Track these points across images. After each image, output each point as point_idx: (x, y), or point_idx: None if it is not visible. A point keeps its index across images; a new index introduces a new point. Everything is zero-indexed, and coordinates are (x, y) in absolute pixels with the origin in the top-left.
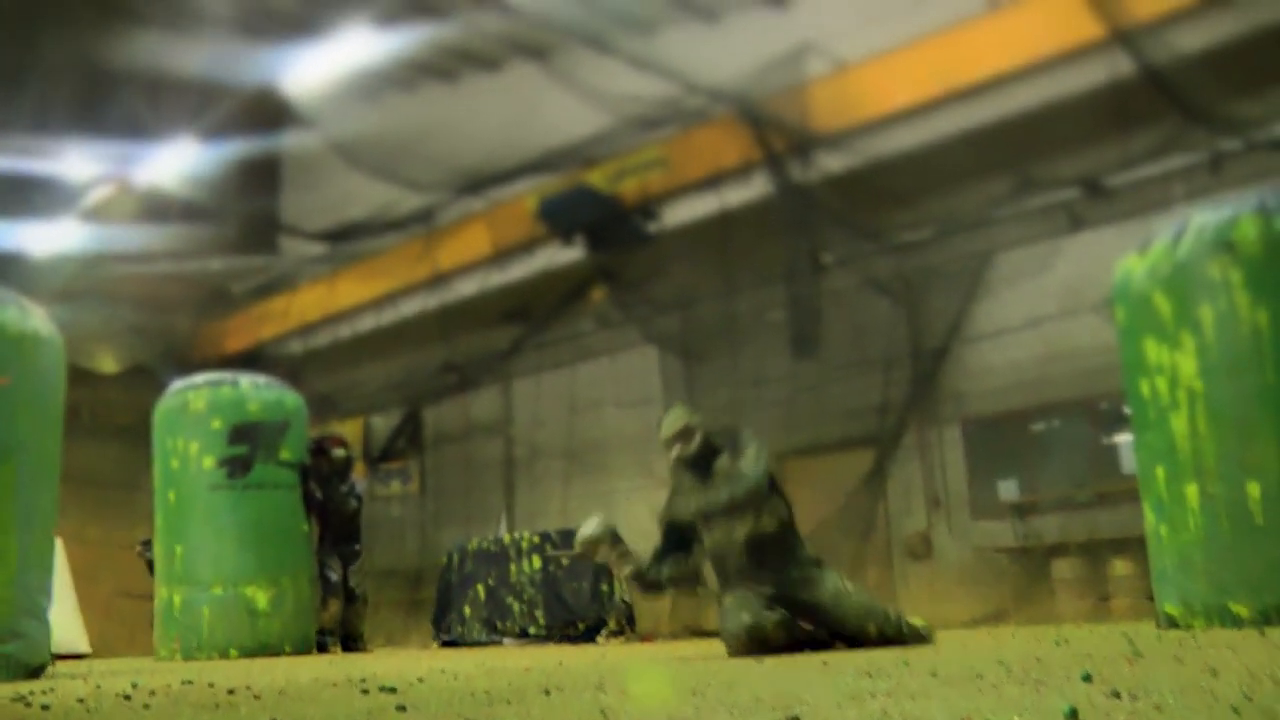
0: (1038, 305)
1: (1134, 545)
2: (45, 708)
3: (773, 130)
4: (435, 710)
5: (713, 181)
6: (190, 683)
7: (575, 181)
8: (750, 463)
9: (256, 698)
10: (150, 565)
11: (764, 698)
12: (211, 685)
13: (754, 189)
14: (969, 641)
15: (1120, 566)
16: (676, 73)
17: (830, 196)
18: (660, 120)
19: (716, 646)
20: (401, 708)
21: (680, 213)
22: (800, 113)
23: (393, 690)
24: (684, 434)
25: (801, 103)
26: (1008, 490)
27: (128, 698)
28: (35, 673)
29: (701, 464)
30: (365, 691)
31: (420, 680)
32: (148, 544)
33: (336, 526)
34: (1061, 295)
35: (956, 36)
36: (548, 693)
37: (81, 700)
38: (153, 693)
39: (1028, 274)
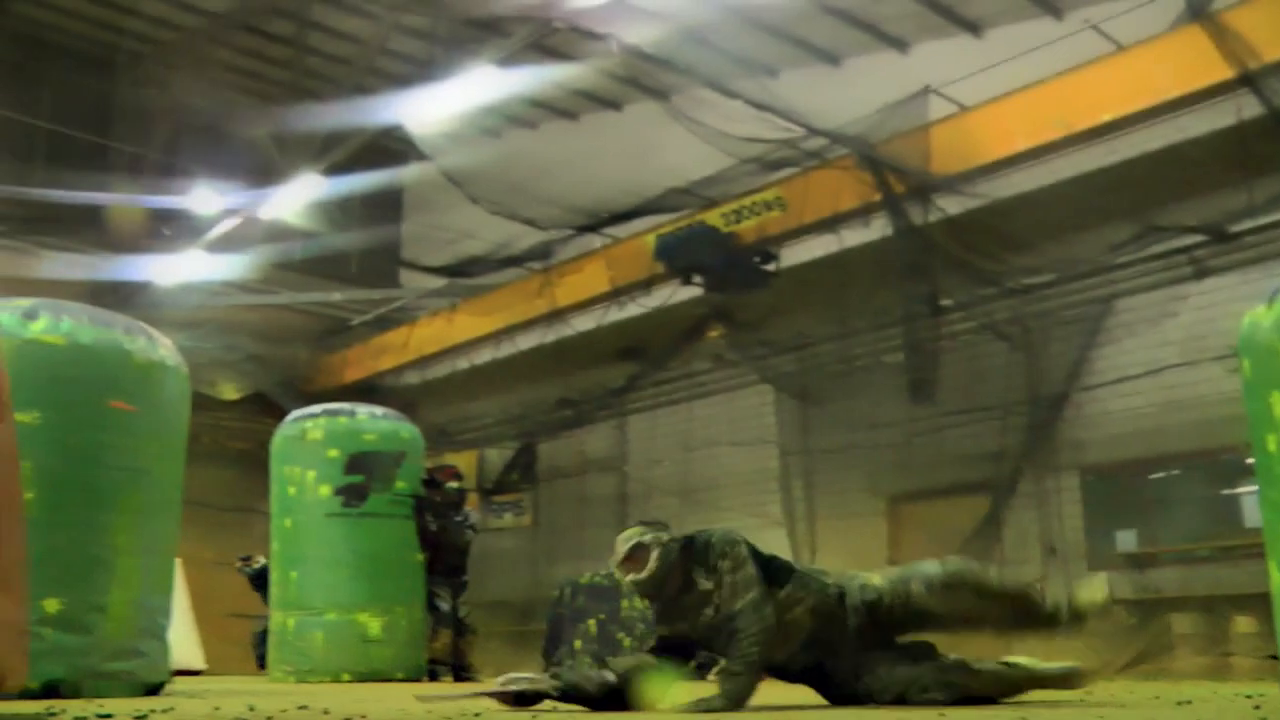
0: (1159, 353)
1: (1257, 602)
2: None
3: (892, 173)
4: None
5: (831, 223)
6: (305, 707)
7: (694, 221)
8: (740, 602)
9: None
10: (250, 580)
11: None
12: (327, 712)
13: (872, 231)
14: (1087, 696)
15: (1242, 624)
16: (797, 115)
17: (949, 240)
18: (780, 162)
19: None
20: None
21: (798, 254)
22: (919, 155)
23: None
24: (634, 558)
25: (921, 146)
26: (1126, 541)
27: None
28: (154, 690)
29: (668, 587)
30: (478, 715)
31: (534, 716)
32: (247, 560)
33: (448, 558)
34: (1184, 343)
35: (1077, 79)
36: None
37: None
38: (270, 718)
39: (1149, 321)
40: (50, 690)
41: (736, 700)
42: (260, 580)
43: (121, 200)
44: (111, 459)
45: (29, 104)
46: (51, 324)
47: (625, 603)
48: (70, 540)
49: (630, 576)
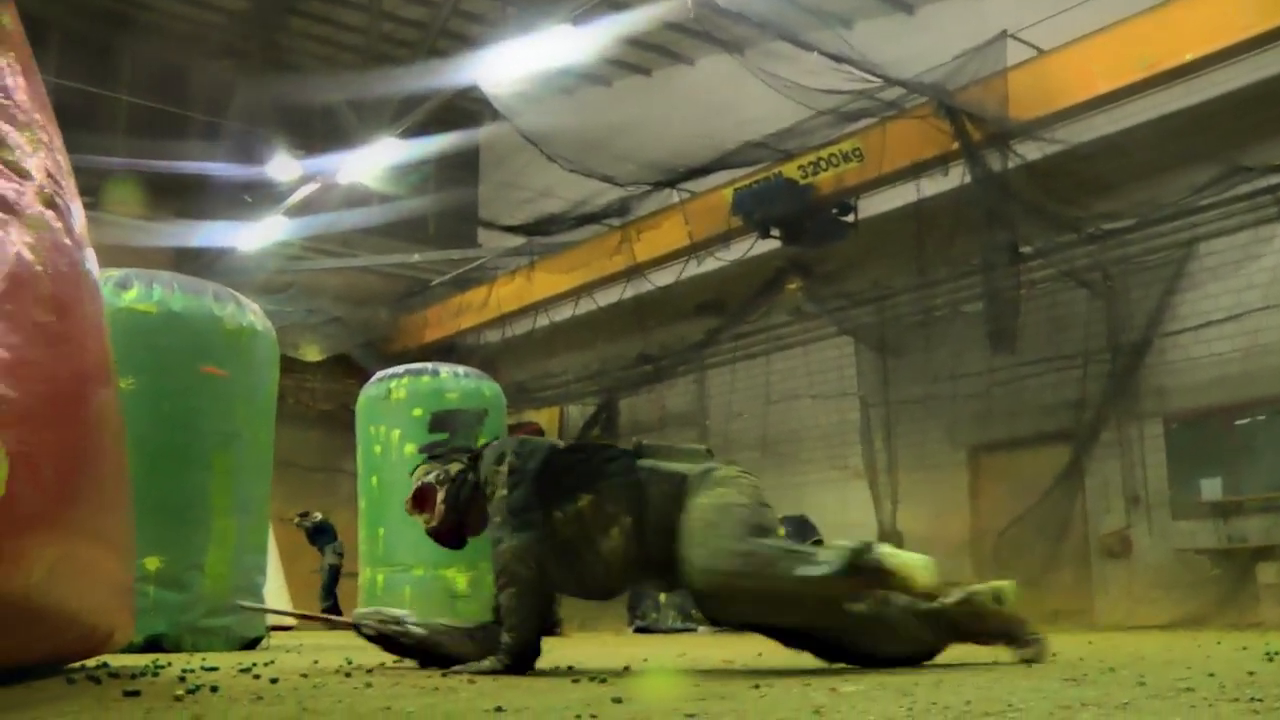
0: (1243, 297)
1: None
2: (273, 681)
3: (970, 120)
4: (649, 703)
5: (909, 173)
6: (401, 662)
7: (771, 174)
8: (494, 549)
9: (471, 683)
10: (308, 534)
11: (975, 701)
12: (419, 667)
13: (951, 180)
14: (1173, 647)
15: None
16: (873, 65)
17: (1028, 186)
18: (857, 113)
19: None
20: (618, 700)
21: (876, 205)
22: (997, 102)
23: (604, 680)
24: (420, 499)
25: (999, 92)
26: (1210, 490)
27: (348, 675)
28: (251, 645)
29: (472, 526)
30: (576, 681)
31: (625, 669)
32: (304, 515)
33: None
34: (1268, 287)
35: (1158, 18)
36: (757, 687)
37: (305, 675)
38: (369, 671)
39: (1233, 264)
40: (153, 645)
41: (513, 663)
42: (316, 535)
43: (203, 169)
44: (205, 423)
45: (109, 78)
46: (144, 292)
47: None
48: (168, 501)
49: (423, 523)
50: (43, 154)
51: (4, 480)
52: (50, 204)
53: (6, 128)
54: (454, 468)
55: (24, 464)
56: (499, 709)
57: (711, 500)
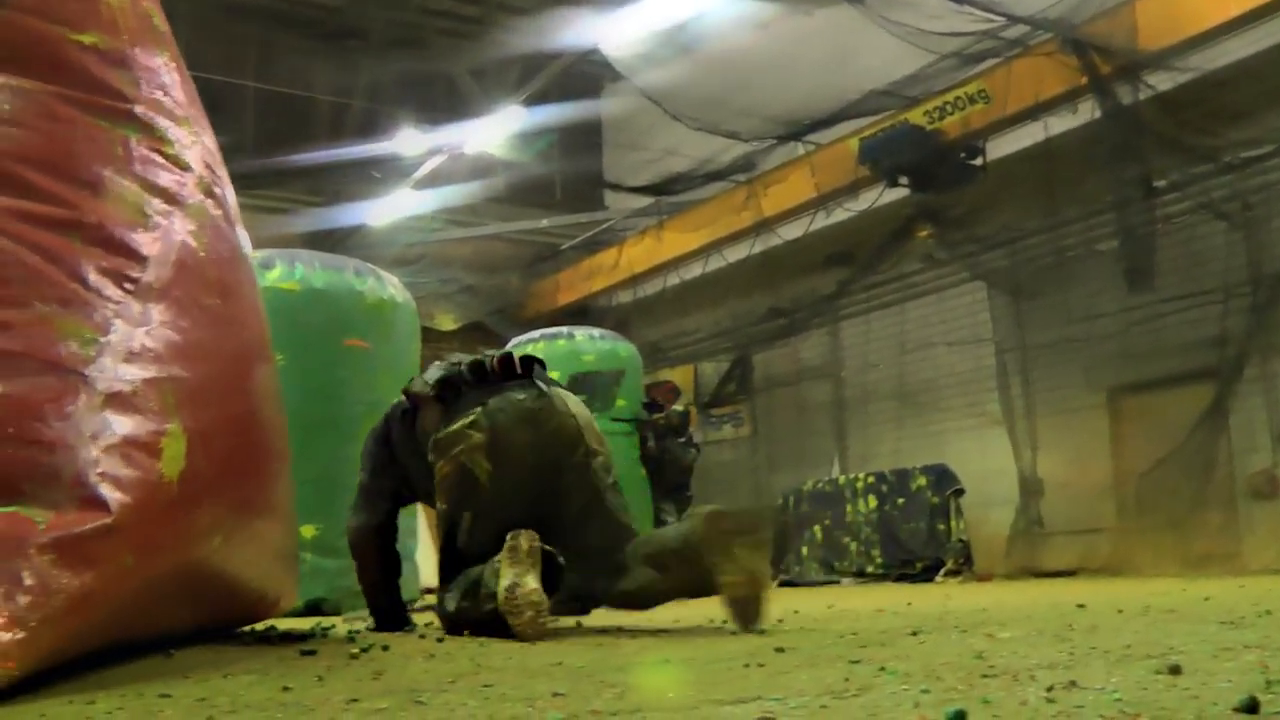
0: None
1: None
2: (440, 639)
3: (1097, 53)
4: (811, 651)
5: (1036, 111)
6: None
7: (896, 122)
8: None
9: (633, 636)
10: None
11: (1135, 645)
12: (579, 624)
13: (1080, 116)
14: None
15: None
16: (995, 4)
17: (1160, 118)
18: (981, 54)
19: (1058, 587)
20: (780, 650)
21: (1004, 146)
22: (1125, 33)
23: (761, 632)
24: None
25: (1126, 22)
26: None
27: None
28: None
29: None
30: (734, 633)
31: (779, 622)
32: None
33: (670, 476)
34: None
35: None
36: (914, 634)
37: (466, 634)
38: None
39: None
40: (313, 609)
41: (377, 622)
42: None
43: (331, 155)
44: (351, 394)
45: (236, 66)
46: (286, 271)
47: (849, 507)
48: (320, 471)
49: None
50: (199, 146)
51: (183, 455)
52: (209, 193)
53: (167, 123)
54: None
55: (199, 440)
56: (666, 660)
57: None
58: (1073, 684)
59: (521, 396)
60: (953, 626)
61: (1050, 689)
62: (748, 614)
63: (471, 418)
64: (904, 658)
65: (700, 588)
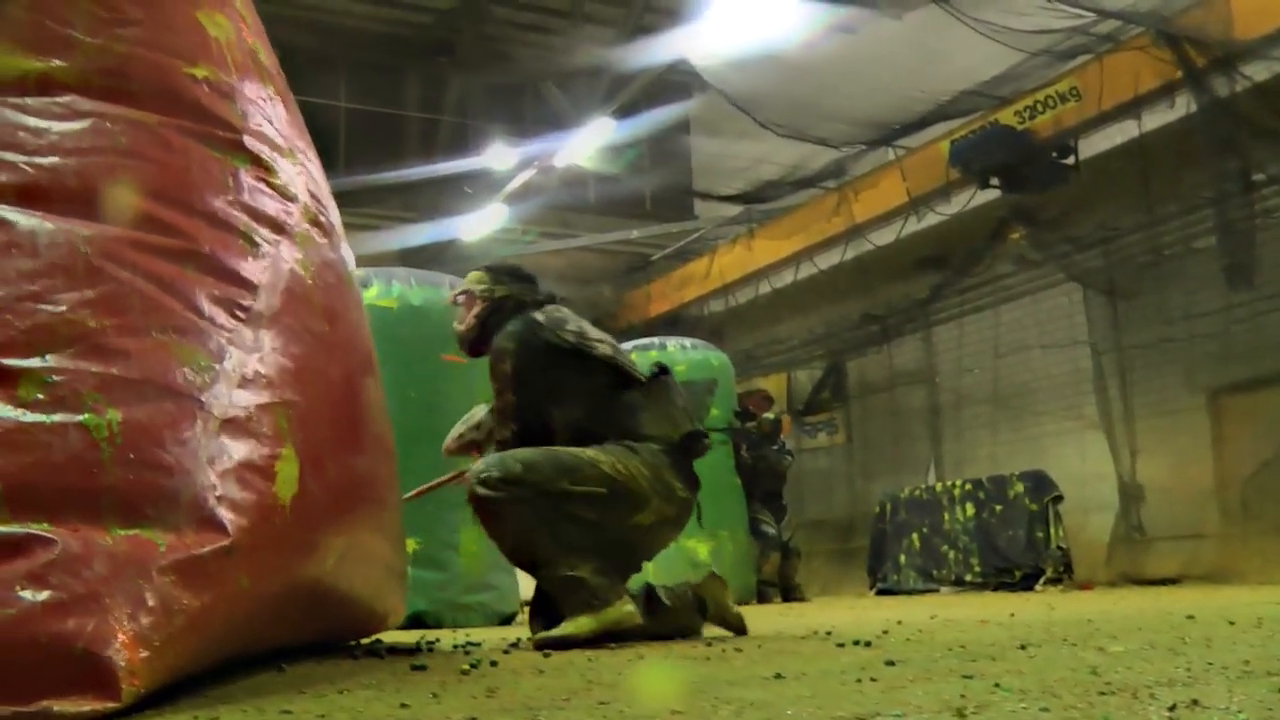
0: None
1: None
2: (546, 654)
3: (1191, 46)
4: (922, 665)
5: (1130, 107)
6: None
7: (987, 123)
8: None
9: (739, 650)
10: None
11: (1254, 661)
12: (712, 644)
13: (1175, 111)
14: None
15: None
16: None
17: (1258, 110)
18: (1072, 50)
19: (1163, 596)
20: (890, 663)
21: (1097, 144)
22: (1220, 23)
23: (868, 644)
24: (464, 303)
25: (1221, 12)
26: None
27: (614, 647)
28: (507, 620)
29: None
30: (840, 645)
31: (884, 633)
32: None
33: (765, 484)
34: None
35: None
36: (1023, 647)
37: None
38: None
39: None
40: (416, 621)
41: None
42: None
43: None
44: (451, 407)
45: (328, 88)
46: (384, 289)
47: (947, 515)
48: (420, 485)
49: (455, 324)
50: (304, 174)
51: (296, 478)
52: (315, 221)
53: (273, 154)
54: (499, 291)
55: (312, 463)
56: (778, 675)
57: None
58: (1195, 703)
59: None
60: (1061, 639)
61: (1172, 708)
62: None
63: None
64: (1017, 673)
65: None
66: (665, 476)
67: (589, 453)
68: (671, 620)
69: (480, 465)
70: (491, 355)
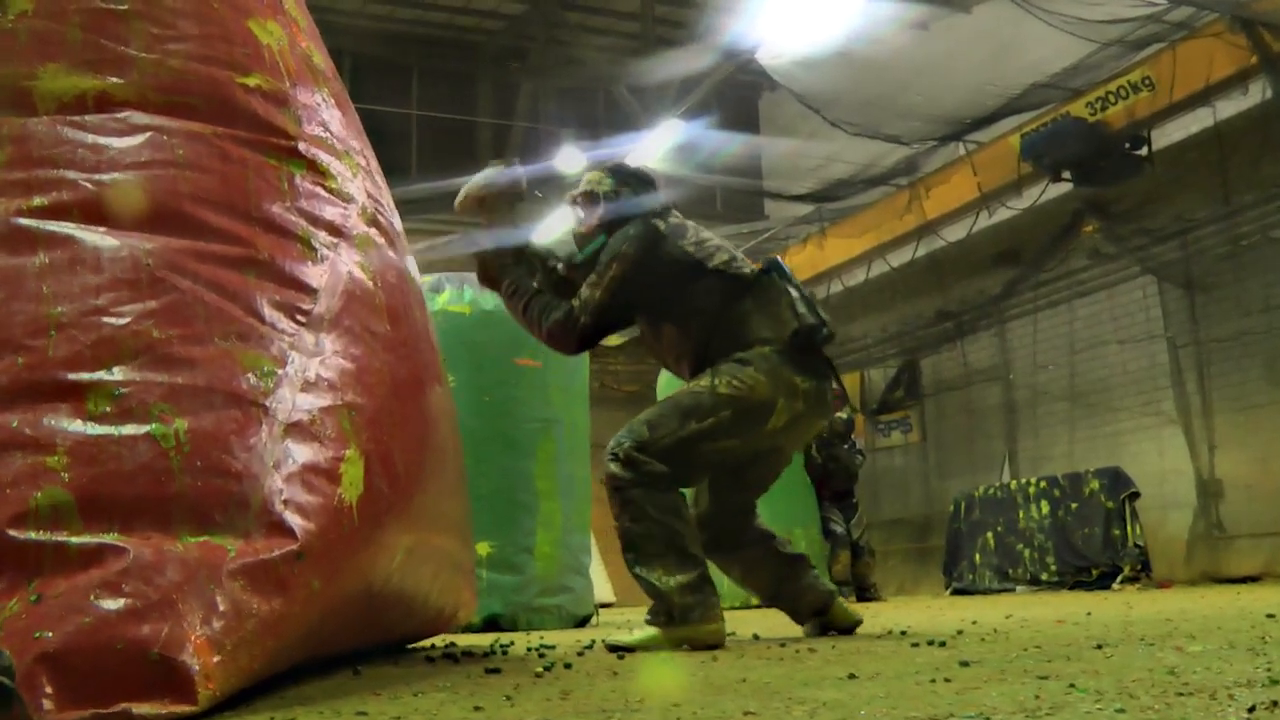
0: None
1: None
2: (620, 657)
3: (1267, 30)
4: (997, 665)
5: (1205, 96)
6: (733, 633)
7: (1058, 115)
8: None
9: (813, 650)
10: None
11: None
12: (757, 637)
13: (1250, 98)
14: None
15: None
16: None
17: None
18: (1144, 40)
19: (1244, 595)
20: (965, 663)
21: (1171, 134)
22: None
23: (942, 645)
24: (584, 204)
25: None
26: None
27: (683, 648)
28: (582, 622)
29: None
30: (915, 645)
31: (959, 633)
32: None
33: (835, 483)
34: None
35: None
36: (1099, 647)
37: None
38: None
39: None
40: (491, 624)
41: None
42: None
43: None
44: (524, 411)
45: (400, 95)
46: (455, 295)
47: (1022, 513)
48: (495, 489)
49: (575, 224)
50: (362, 177)
51: (362, 480)
52: (373, 222)
53: (328, 158)
54: (625, 193)
55: (378, 462)
56: (852, 675)
57: None
58: (1275, 704)
59: None
60: (1138, 639)
61: (1252, 709)
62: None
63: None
64: (1093, 673)
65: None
66: (784, 375)
67: (702, 383)
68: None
69: (613, 440)
70: (604, 251)
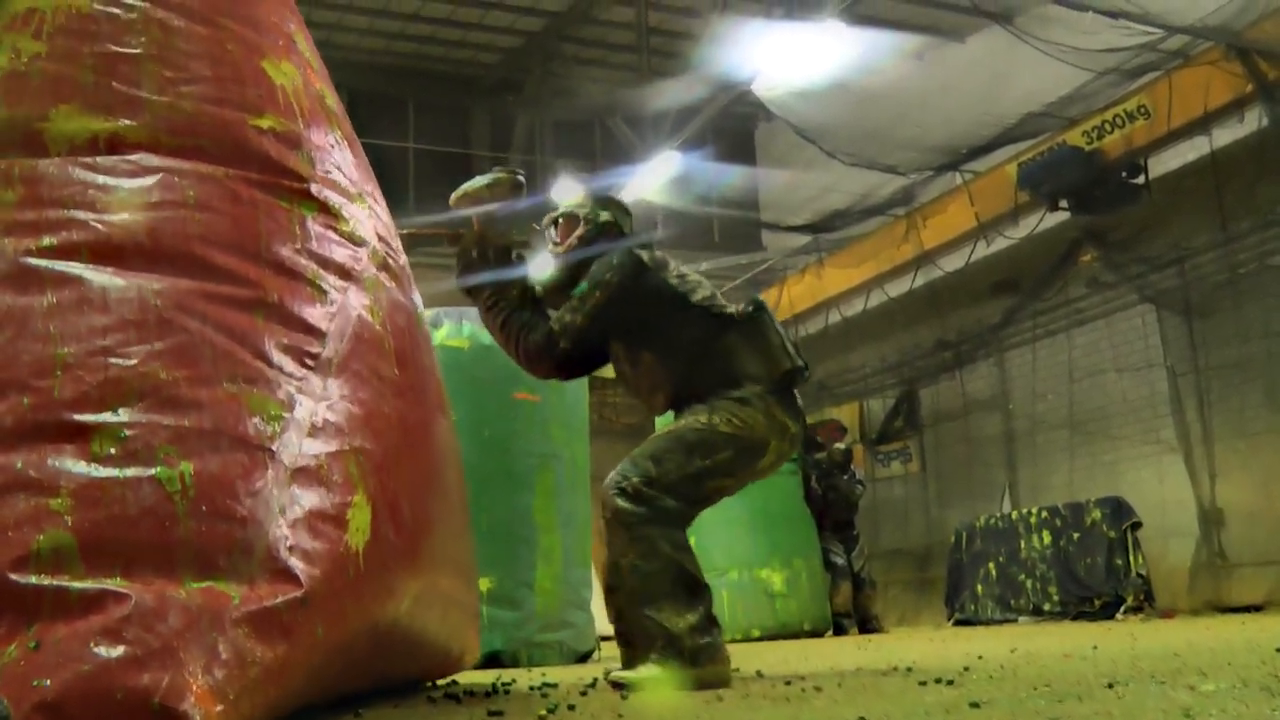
0: None
1: None
2: (624, 697)
3: (1263, 58)
4: (1008, 706)
5: (1201, 124)
6: (736, 670)
7: (1054, 144)
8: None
9: (819, 690)
10: None
11: None
12: (760, 674)
13: (1246, 126)
14: None
15: None
16: (1153, 15)
17: None
18: (1140, 68)
19: (1249, 625)
20: (975, 704)
21: (1167, 162)
22: None
23: (950, 682)
24: (563, 226)
25: None
26: None
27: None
28: (584, 658)
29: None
30: (922, 684)
31: (966, 669)
32: None
33: (835, 514)
34: None
35: None
36: (1111, 686)
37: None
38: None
39: None
40: (492, 660)
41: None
42: None
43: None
44: (523, 446)
45: (397, 128)
46: (454, 329)
47: (1023, 543)
48: (495, 524)
49: (551, 245)
50: (372, 218)
51: (369, 525)
52: (384, 265)
53: (340, 200)
54: (604, 216)
55: (386, 508)
56: (862, 718)
57: None
58: None
59: None
60: (1149, 675)
61: None
62: None
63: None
64: (1106, 714)
65: None
66: (777, 416)
67: (701, 419)
68: None
69: (615, 473)
70: (588, 277)
